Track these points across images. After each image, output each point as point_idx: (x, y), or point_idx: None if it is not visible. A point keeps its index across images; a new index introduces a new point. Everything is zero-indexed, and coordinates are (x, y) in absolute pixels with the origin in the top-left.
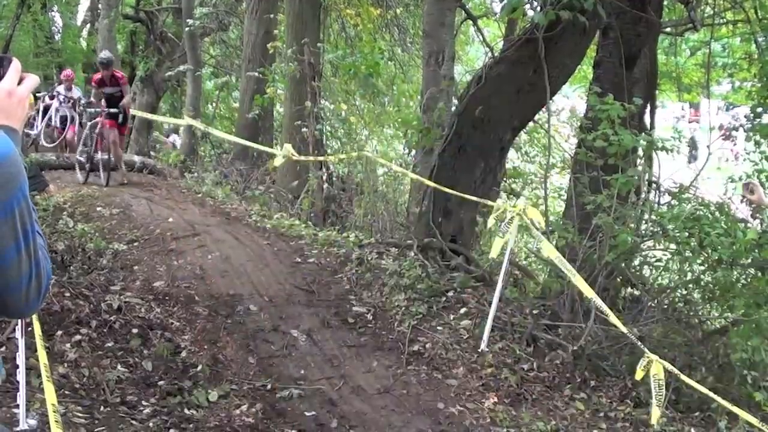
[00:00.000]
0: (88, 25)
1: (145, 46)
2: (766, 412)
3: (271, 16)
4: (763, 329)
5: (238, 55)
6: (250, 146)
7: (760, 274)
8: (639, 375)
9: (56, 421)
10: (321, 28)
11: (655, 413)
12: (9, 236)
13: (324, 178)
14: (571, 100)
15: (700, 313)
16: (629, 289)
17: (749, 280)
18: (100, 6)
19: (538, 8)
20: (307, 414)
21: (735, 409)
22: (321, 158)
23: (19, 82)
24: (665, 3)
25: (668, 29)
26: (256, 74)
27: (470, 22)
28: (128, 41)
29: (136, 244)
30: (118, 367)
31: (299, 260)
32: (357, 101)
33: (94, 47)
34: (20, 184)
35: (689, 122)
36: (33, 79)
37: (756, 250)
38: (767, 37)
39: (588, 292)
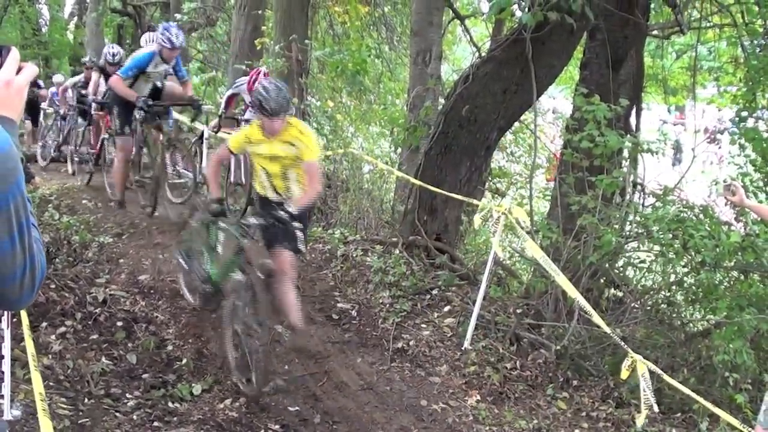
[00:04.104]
0: (75, 18)
1: (132, 39)
2: (747, 414)
3: (259, 12)
4: (745, 332)
5: (225, 50)
6: None
7: (743, 276)
8: (624, 375)
9: (43, 410)
10: (309, 24)
11: (643, 414)
12: (4, 230)
13: None
14: (557, 100)
15: (682, 315)
16: (612, 290)
17: (732, 282)
18: None
19: (526, 9)
20: (290, 409)
21: (717, 411)
22: None
23: (17, 72)
24: (652, 6)
25: (655, 32)
26: (244, 67)
27: (458, 21)
28: (116, 34)
29: (122, 237)
30: (103, 359)
31: None
32: (343, 99)
33: (81, 40)
34: (17, 178)
35: (674, 125)
36: (31, 69)
37: (739, 253)
38: (753, 42)
39: (572, 292)
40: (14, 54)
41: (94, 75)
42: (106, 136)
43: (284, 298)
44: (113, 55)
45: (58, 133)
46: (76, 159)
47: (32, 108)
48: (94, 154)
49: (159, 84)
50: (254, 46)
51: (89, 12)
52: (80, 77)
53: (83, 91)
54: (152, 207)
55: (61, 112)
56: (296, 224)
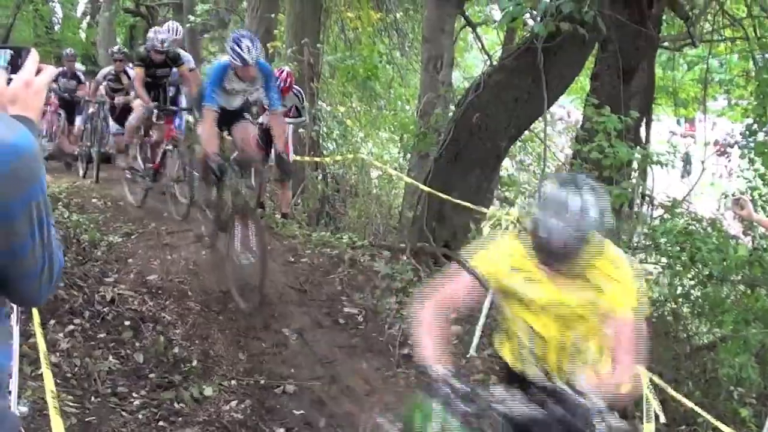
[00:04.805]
0: (88, 17)
1: (144, 40)
2: (751, 428)
3: (272, 15)
4: (750, 346)
5: None
6: None
7: (749, 290)
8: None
9: (55, 407)
10: (321, 29)
11: (650, 428)
12: (26, 227)
13: (319, 178)
14: (566, 109)
15: (688, 328)
16: None
17: (738, 296)
18: None
19: (539, 18)
20: (296, 412)
21: (720, 425)
22: (317, 159)
23: (37, 73)
24: (664, 18)
25: (666, 44)
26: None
27: (469, 28)
28: (128, 34)
29: (131, 237)
30: (110, 358)
31: (292, 259)
32: (354, 103)
33: (94, 39)
34: (40, 177)
35: (683, 137)
36: (50, 71)
37: (746, 267)
38: (765, 56)
39: None
40: (34, 55)
41: (138, 71)
42: (170, 147)
43: None
44: (162, 42)
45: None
46: (128, 176)
47: (68, 105)
48: (152, 169)
49: (243, 103)
50: (266, 50)
51: (102, 11)
52: (110, 69)
53: (113, 85)
54: (210, 246)
55: (90, 111)
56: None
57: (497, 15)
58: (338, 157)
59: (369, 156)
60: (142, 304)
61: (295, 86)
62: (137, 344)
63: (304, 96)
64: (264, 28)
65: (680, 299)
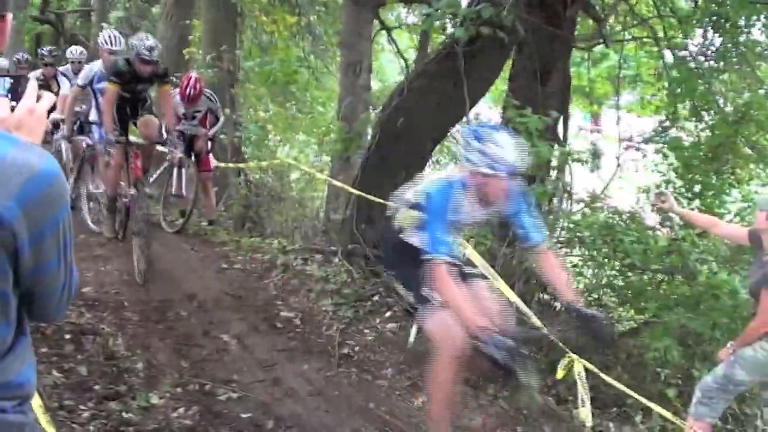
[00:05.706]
0: None
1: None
2: (677, 406)
3: (187, 22)
4: (672, 330)
5: None
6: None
7: (669, 278)
8: (560, 375)
9: (48, 421)
10: (237, 34)
11: (585, 412)
12: (53, 249)
13: (242, 184)
14: (486, 113)
15: (613, 316)
16: (545, 294)
17: (659, 284)
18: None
19: (459, 23)
20: (243, 416)
21: (649, 404)
22: (242, 165)
23: (37, 100)
24: (578, 19)
25: (580, 44)
26: (174, 79)
27: (384, 32)
28: (34, 42)
29: None
30: (54, 372)
31: (225, 266)
32: (270, 108)
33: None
34: (66, 200)
35: (591, 132)
36: (49, 98)
37: (665, 256)
38: (674, 53)
39: (510, 296)
40: (33, 83)
41: (112, 89)
42: (132, 192)
43: None
44: (150, 49)
45: None
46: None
47: None
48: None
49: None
50: (182, 56)
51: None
52: (37, 73)
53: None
54: None
55: None
56: None
57: (411, 19)
58: (263, 163)
59: (293, 160)
60: (80, 316)
61: (206, 89)
62: (79, 357)
63: (216, 98)
64: (179, 34)
65: (604, 289)
